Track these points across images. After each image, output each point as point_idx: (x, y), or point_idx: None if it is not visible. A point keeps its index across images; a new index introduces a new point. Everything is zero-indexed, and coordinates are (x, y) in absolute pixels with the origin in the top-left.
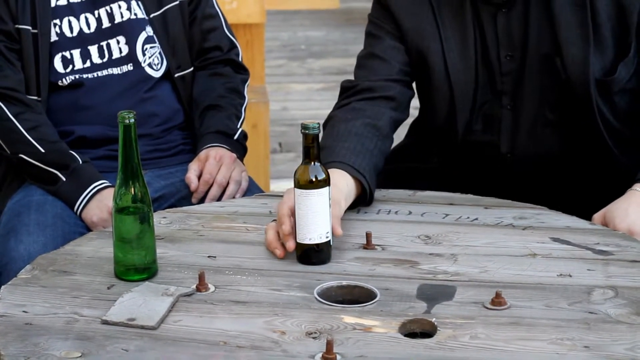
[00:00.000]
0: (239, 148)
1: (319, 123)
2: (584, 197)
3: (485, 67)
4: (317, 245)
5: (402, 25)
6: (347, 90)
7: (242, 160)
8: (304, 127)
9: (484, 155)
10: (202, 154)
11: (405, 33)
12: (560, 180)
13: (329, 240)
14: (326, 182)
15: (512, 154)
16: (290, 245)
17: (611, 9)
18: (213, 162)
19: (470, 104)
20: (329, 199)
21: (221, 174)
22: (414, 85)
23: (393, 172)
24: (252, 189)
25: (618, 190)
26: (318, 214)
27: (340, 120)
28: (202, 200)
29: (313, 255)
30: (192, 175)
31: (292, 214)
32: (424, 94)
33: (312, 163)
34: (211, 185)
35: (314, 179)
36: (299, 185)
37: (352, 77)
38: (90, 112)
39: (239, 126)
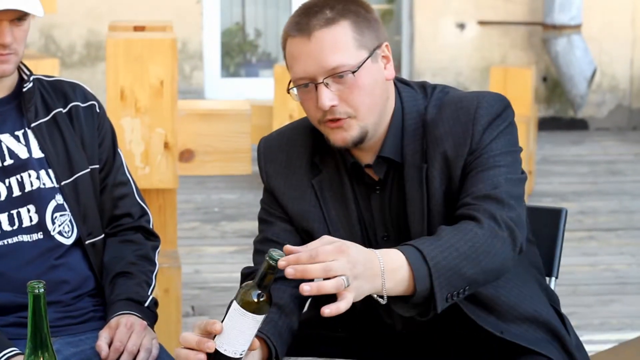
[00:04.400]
0: (150, 315)
1: (282, 253)
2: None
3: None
4: (229, 358)
5: (288, 209)
6: (247, 278)
7: (152, 327)
8: (270, 256)
9: (383, 330)
10: (113, 321)
11: (291, 217)
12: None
13: (240, 358)
14: (264, 312)
15: (408, 330)
16: (210, 345)
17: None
18: (124, 329)
19: None
20: (258, 327)
21: (132, 342)
22: None
23: (303, 339)
24: (163, 357)
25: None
26: (244, 334)
27: None
28: None
29: None
30: (102, 343)
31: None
32: None
33: (262, 290)
34: (122, 353)
35: (257, 302)
36: (241, 302)
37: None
38: (0, 279)
39: (149, 293)
